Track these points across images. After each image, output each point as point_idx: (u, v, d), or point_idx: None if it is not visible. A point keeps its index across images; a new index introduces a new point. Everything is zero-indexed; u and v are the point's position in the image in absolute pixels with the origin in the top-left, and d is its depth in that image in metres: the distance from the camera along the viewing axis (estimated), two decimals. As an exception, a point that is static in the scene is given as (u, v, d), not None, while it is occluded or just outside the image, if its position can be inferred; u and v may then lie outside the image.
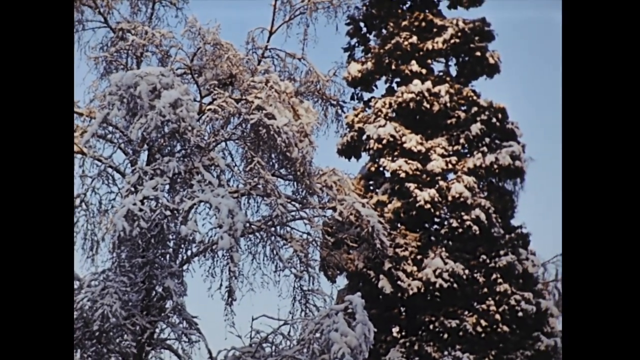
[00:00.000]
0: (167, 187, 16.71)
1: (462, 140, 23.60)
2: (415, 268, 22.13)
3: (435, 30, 24.52)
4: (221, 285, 16.70)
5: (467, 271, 22.10)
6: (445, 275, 21.78)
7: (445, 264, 21.95)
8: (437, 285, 21.71)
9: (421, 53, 24.25)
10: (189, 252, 17.05)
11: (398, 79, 24.46)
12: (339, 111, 22.98)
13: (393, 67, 24.19)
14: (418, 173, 22.76)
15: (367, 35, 25.32)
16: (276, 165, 18.54)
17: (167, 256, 16.45)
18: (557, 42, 9.85)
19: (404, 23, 24.53)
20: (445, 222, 22.88)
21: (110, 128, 17.57)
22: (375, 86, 24.79)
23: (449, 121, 23.78)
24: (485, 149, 23.44)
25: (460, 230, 22.38)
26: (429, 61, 24.50)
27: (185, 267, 17.02)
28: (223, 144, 18.39)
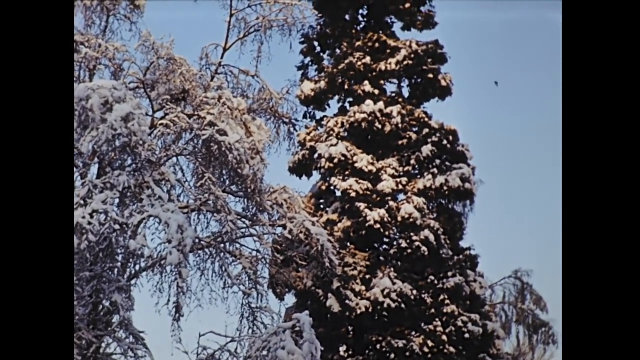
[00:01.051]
0: (116, 200, 16.61)
1: (412, 161, 23.74)
2: (363, 287, 22.18)
3: (388, 51, 24.68)
4: (169, 300, 16.58)
5: (415, 291, 22.19)
6: (393, 295, 21.85)
7: (394, 284, 22.02)
8: (385, 305, 21.76)
9: (374, 73, 24.40)
10: (137, 267, 16.94)
11: (350, 99, 24.57)
12: (291, 129, 23.08)
13: (346, 86, 24.30)
14: (368, 193, 22.85)
15: (321, 54, 25.42)
16: (227, 182, 18.50)
17: (115, 270, 16.34)
18: (557, 42, 9.93)
19: (357, 43, 24.66)
20: (394, 242, 22.96)
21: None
22: (328, 105, 24.88)
23: (400, 142, 23.91)
24: (435, 170, 23.59)
25: (409, 250, 22.48)
26: (382, 82, 24.65)
27: (133, 281, 16.91)
28: (174, 159, 18.33)
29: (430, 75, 24.48)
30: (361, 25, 25.50)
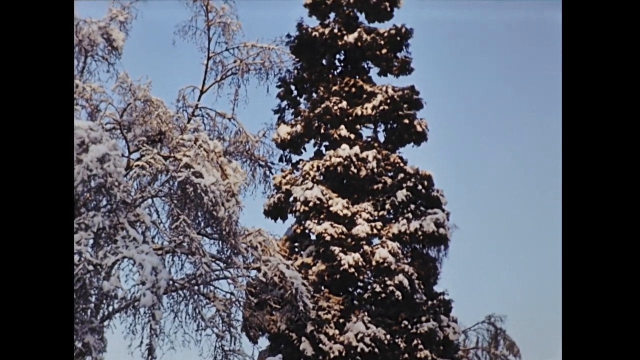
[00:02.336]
0: (91, 241, 16.58)
1: (387, 206, 23.80)
2: (337, 331, 22.14)
3: (365, 96, 24.85)
4: (142, 342, 16.54)
5: (388, 336, 22.17)
6: (367, 339, 21.81)
7: (367, 328, 22.00)
8: (359, 350, 21.71)
9: (350, 118, 24.54)
10: (110, 308, 16.88)
11: (327, 143, 24.67)
12: (267, 172, 23.15)
13: (322, 130, 24.41)
14: (343, 237, 22.88)
15: (298, 98, 25.55)
16: (202, 224, 18.52)
17: (89, 311, 16.28)
18: (557, 42, 9.98)
19: (334, 88, 24.82)
20: (369, 287, 22.95)
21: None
22: (304, 149, 24.96)
23: (375, 186, 24.00)
24: (410, 215, 23.66)
25: (383, 295, 22.47)
26: (358, 126, 24.78)
27: (106, 323, 16.85)
28: (149, 200, 18.34)
29: (406, 121, 24.63)
30: (338, 70, 25.68)
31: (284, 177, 24.22)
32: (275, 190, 24.07)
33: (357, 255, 22.61)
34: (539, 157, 49.64)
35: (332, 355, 21.78)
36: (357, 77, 25.35)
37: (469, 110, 50.51)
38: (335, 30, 25.19)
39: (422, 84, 25.30)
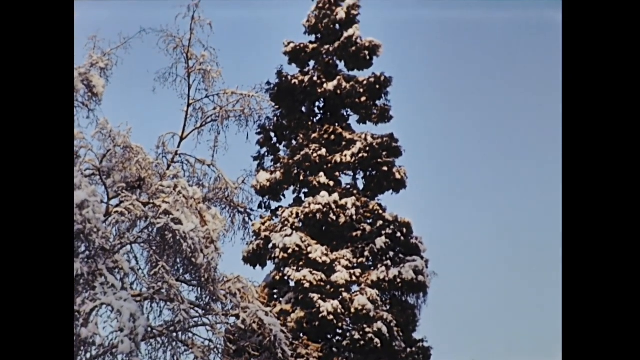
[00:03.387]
0: (69, 288, 16.48)
1: (366, 253, 23.83)
2: (316, 379, 22.04)
3: (344, 143, 24.98)
4: (119, 390, 16.39)
5: (367, 384, 22.09)
6: (346, 387, 21.74)
7: (346, 376, 21.92)
8: (338, 398, 21.63)
9: (330, 165, 24.63)
10: (88, 355, 16.74)
11: (306, 190, 24.73)
12: (246, 219, 23.14)
13: (301, 177, 24.48)
14: (322, 284, 22.85)
15: (277, 145, 25.65)
16: (181, 270, 18.45)
17: (66, 359, 16.13)
18: (557, 42, 10.03)
19: (313, 135, 24.94)
20: (348, 334, 22.91)
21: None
22: (283, 196, 25.01)
23: (354, 234, 24.04)
24: (389, 262, 23.70)
25: (362, 342, 22.42)
26: (337, 174, 24.87)
27: (83, 370, 16.70)
28: (128, 246, 18.28)
29: (385, 168, 24.75)
30: (317, 118, 25.82)
31: (263, 224, 24.22)
32: (255, 237, 24.06)
33: (336, 303, 22.59)
34: (519, 207, 49.76)
35: (310, 403, 21.67)
36: (337, 124, 25.49)
37: (447, 159, 50.71)
38: (315, 78, 25.37)
39: (401, 132, 25.49)
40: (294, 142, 25.32)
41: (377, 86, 25.47)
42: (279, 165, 24.99)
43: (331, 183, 24.42)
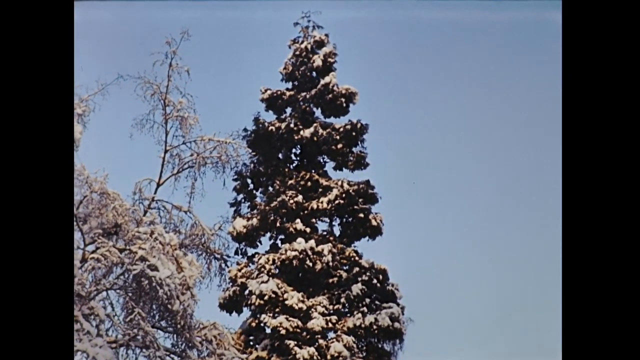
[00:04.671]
0: (44, 334, 16.39)
1: (342, 300, 23.84)
2: None
3: (320, 190, 25.06)
4: None
5: None
6: None
7: (322, 423, 21.83)
8: None
9: (306, 212, 24.69)
10: (62, 403, 16.61)
11: (282, 236, 24.75)
12: (223, 265, 23.14)
13: (278, 224, 24.51)
14: (298, 330, 22.82)
15: (254, 191, 25.69)
16: (157, 317, 18.41)
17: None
18: (557, 42, 10.07)
19: (290, 182, 25.01)
20: (324, 381, 22.84)
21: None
22: (260, 242, 25.01)
23: (330, 280, 24.06)
24: (365, 309, 23.70)
25: (338, 389, 22.36)
26: (314, 220, 24.92)
27: (57, 418, 16.55)
28: (104, 293, 18.23)
29: (362, 215, 24.83)
30: (294, 164, 25.92)
31: (239, 270, 24.20)
32: (231, 284, 24.03)
33: (312, 349, 22.54)
34: (500, 253, 49.86)
35: None
36: (313, 171, 25.58)
37: (423, 206, 50.83)
38: (292, 125, 25.50)
39: (377, 179, 25.60)
40: (270, 188, 25.38)
41: (354, 133, 25.63)
42: (255, 211, 25.02)
43: (307, 229, 24.47)
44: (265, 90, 26.11)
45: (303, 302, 23.34)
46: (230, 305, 24.16)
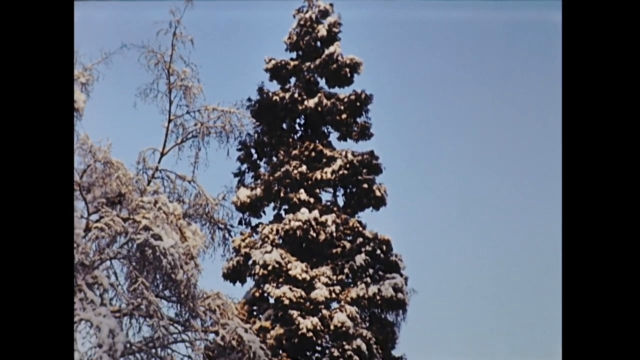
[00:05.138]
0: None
1: (346, 270, 23.86)
2: (295, 396, 22.02)
3: (324, 160, 25.02)
4: (98, 406, 16.31)
5: (346, 401, 22.08)
6: (325, 404, 21.72)
7: (325, 393, 21.91)
8: (316, 415, 21.61)
9: (310, 182, 24.66)
10: (66, 371, 16.66)
11: (286, 207, 24.74)
12: (226, 235, 23.09)
13: (282, 194, 24.49)
14: (302, 301, 22.85)
15: (258, 161, 25.67)
16: (160, 286, 18.42)
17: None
18: (557, 43, 10.07)
19: (294, 152, 24.97)
20: (327, 351, 22.90)
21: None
22: (264, 212, 25.01)
23: (334, 251, 24.06)
24: (368, 279, 23.72)
25: (341, 359, 22.41)
26: (317, 190, 24.90)
27: (61, 386, 16.60)
28: (108, 262, 18.23)
29: (365, 186, 24.81)
30: (298, 134, 25.87)
31: (243, 240, 24.21)
32: (235, 254, 24.05)
33: (315, 320, 22.58)
34: (503, 225, 49.90)
35: (289, 421, 21.64)
36: (317, 141, 25.53)
37: (428, 176, 50.83)
38: (296, 95, 25.43)
39: (382, 149, 25.56)
40: (274, 158, 25.35)
41: (358, 103, 25.55)
42: (259, 181, 25.01)
43: (311, 200, 24.45)
44: (270, 60, 26.01)
45: (306, 272, 23.36)
46: (234, 275, 24.19)
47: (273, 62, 25.96)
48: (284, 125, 25.84)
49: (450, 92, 48.19)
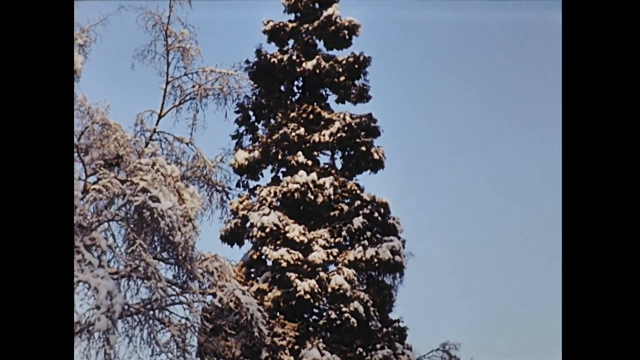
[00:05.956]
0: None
1: (344, 233, 23.88)
2: (292, 358, 22.09)
3: (322, 123, 24.96)
4: (96, 367, 16.40)
5: (343, 363, 22.19)
6: (322, 366, 21.80)
7: (322, 355, 21.98)
8: (313, 376, 21.70)
9: (308, 145, 24.62)
10: (64, 333, 16.70)
11: (284, 169, 24.72)
12: (224, 197, 23.13)
13: (280, 157, 24.46)
14: (299, 263, 22.89)
15: (256, 124, 25.60)
16: (158, 248, 18.46)
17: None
18: (557, 43, 10.08)
19: (292, 114, 24.91)
20: (324, 313, 22.97)
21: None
22: (261, 175, 24.99)
23: (332, 213, 24.06)
24: (366, 242, 23.75)
25: (338, 322, 22.48)
26: (315, 153, 24.86)
27: (59, 347, 16.65)
28: (106, 224, 18.27)
29: (363, 148, 24.77)
30: (296, 97, 25.79)
31: (241, 203, 24.21)
32: (232, 216, 24.05)
33: (313, 282, 22.63)
34: (500, 190, 49.96)
35: (286, 382, 21.74)
36: (315, 104, 25.47)
37: (426, 139, 50.82)
38: (294, 57, 25.31)
39: (380, 112, 25.50)
40: (272, 121, 25.29)
41: (356, 66, 25.45)
42: (257, 144, 24.97)
43: (309, 162, 24.43)
44: (268, 22, 25.87)
45: (304, 234, 23.38)
46: (232, 237, 24.21)
47: (271, 24, 25.82)
48: (282, 88, 25.76)
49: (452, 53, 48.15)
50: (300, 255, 23.00)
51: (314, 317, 23.26)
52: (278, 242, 23.18)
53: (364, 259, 23.47)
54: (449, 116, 50.01)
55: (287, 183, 23.82)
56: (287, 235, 23.18)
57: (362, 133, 24.88)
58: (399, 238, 24.15)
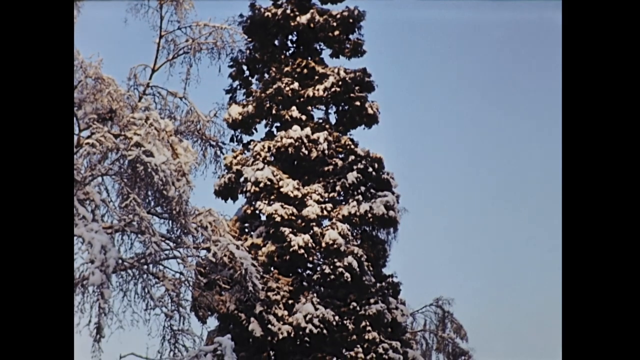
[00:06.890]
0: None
1: (338, 188, 23.88)
2: (286, 312, 22.20)
3: (316, 77, 24.86)
4: (90, 321, 16.42)
5: (337, 318, 22.27)
6: (316, 320, 21.89)
7: (316, 309, 22.08)
8: (307, 331, 21.79)
9: (302, 99, 24.54)
10: (58, 287, 16.72)
11: (278, 124, 24.66)
12: (218, 152, 23.04)
13: (273, 111, 24.39)
14: (293, 218, 22.92)
15: (250, 78, 25.50)
16: (152, 203, 18.42)
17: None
18: (557, 43, 10.09)
19: (286, 69, 24.80)
20: (318, 268, 23.04)
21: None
22: (255, 129, 24.94)
23: (326, 168, 24.05)
24: (360, 197, 23.76)
25: (332, 276, 22.56)
26: (309, 108, 24.79)
27: (53, 301, 16.67)
28: (99, 178, 18.19)
29: (358, 103, 24.70)
30: (290, 51, 25.66)
31: (234, 158, 24.19)
32: (226, 171, 24.03)
33: (307, 237, 22.67)
34: (488, 140, 49.98)
35: (280, 336, 21.84)
36: (309, 58, 25.35)
37: (421, 94, 50.76)
38: (288, 11, 25.15)
39: (374, 67, 25.41)
40: (266, 75, 25.19)
41: (351, 20, 25.30)
42: (251, 98, 24.88)
43: (303, 117, 24.36)
44: (262, -25, 25.67)
45: (298, 189, 23.38)
46: (226, 192, 24.22)
47: (265, -23, 25.63)
48: (276, 42, 25.61)
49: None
50: (294, 210, 23.02)
51: (307, 271, 23.34)
52: (272, 197, 23.19)
53: (358, 213, 23.49)
54: (444, 70, 49.89)
55: (281, 138, 23.77)
56: (281, 190, 23.19)
57: (357, 88, 24.79)
58: (393, 193, 24.17)
